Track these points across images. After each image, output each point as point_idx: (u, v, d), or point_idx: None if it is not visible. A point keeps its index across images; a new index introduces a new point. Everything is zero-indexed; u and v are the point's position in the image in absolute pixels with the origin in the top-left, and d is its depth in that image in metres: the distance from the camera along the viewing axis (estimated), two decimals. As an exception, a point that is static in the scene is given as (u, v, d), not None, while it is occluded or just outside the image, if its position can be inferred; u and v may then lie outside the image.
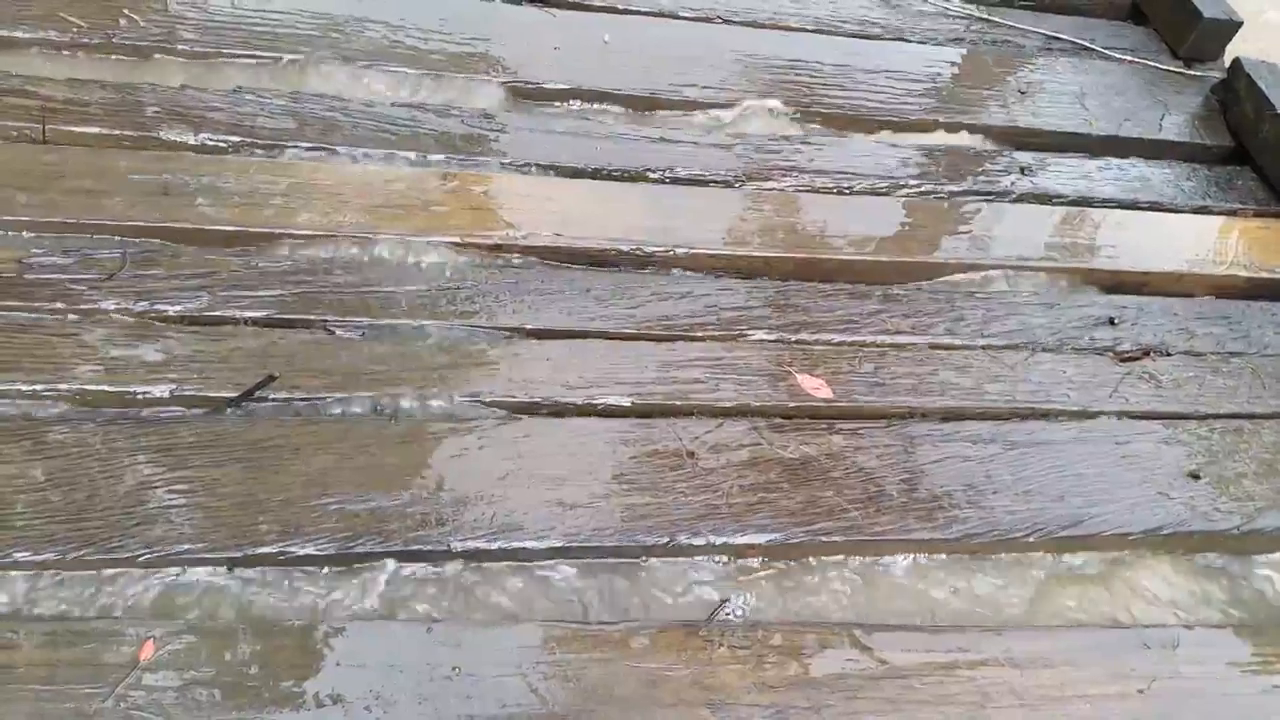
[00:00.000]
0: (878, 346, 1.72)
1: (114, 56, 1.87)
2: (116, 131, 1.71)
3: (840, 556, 1.47)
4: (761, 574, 1.43)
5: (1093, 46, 2.51)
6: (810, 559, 1.46)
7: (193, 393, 1.42)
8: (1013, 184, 2.10)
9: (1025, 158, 2.17)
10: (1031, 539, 1.51)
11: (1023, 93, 2.32)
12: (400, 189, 1.74)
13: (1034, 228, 2.00)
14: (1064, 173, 2.15)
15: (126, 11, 1.91)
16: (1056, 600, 1.49)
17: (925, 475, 1.54)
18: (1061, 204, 2.09)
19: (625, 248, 1.77)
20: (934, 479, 1.54)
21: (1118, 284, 1.96)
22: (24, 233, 1.55)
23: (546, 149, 1.91)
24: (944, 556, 1.50)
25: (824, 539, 1.44)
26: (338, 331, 1.54)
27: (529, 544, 1.37)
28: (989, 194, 2.07)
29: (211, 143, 1.74)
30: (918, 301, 1.81)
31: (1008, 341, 1.78)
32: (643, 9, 2.25)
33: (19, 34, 1.83)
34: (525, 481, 1.42)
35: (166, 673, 1.16)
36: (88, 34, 1.86)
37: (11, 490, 1.28)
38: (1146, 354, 1.82)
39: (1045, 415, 1.68)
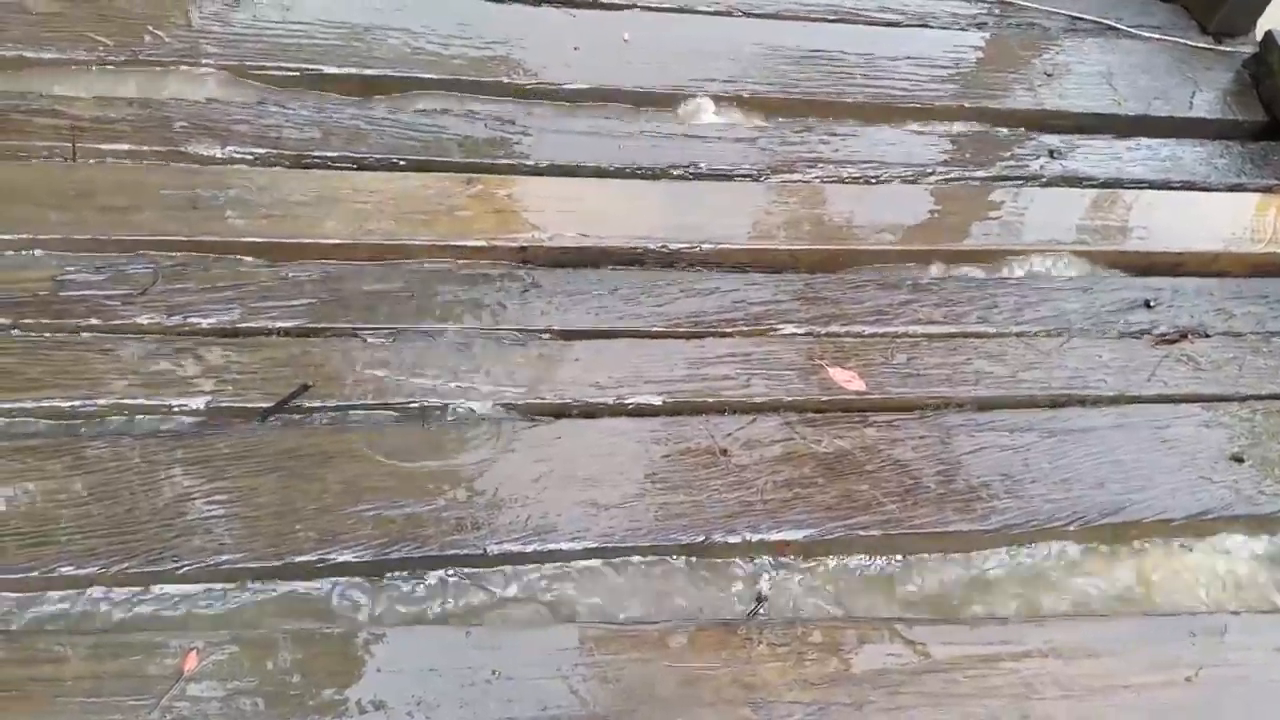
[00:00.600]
0: (910, 337, 1.71)
1: (140, 73, 1.88)
2: (145, 147, 1.72)
3: (878, 550, 1.46)
4: (799, 570, 1.42)
5: (1119, 25, 2.47)
6: (848, 553, 1.45)
7: (228, 404, 1.44)
8: (1042, 168, 2.07)
9: (1054, 141, 2.14)
10: (1072, 528, 1.49)
11: (1049, 75, 2.29)
12: (425, 195, 1.75)
13: (1065, 211, 1.97)
14: (1094, 155, 2.11)
15: (151, 28, 1.93)
16: (1100, 588, 1.47)
17: (962, 466, 1.53)
18: (1092, 186, 2.06)
19: (651, 246, 1.76)
20: (971, 469, 1.53)
21: (1152, 266, 1.92)
22: (57, 251, 1.57)
23: (569, 150, 1.90)
24: (983, 547, 1.48)
25: (861, 533, 1.43)
26: (368, 339, 1.55)
27: (564, 545, 1.37)
28: (1018, 179, 2.05)
29: (239, 155, 1.75)
30: (949, 290, 1.79)
31: (1042, 328, 1.76)
32: (662, 5, 2.24)
33: (46, 55, 1.85)
34: (558, 483, 1.42)
35: (210, 683, 1.17)
36: (114, 52, 1.88)
37: (54, 505, 1.30)
38: (1184, 336, 1.78)
39: (1083, 401, 1.66)
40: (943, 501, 1.48)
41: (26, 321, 1.48)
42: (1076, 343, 1.74)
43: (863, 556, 1.46)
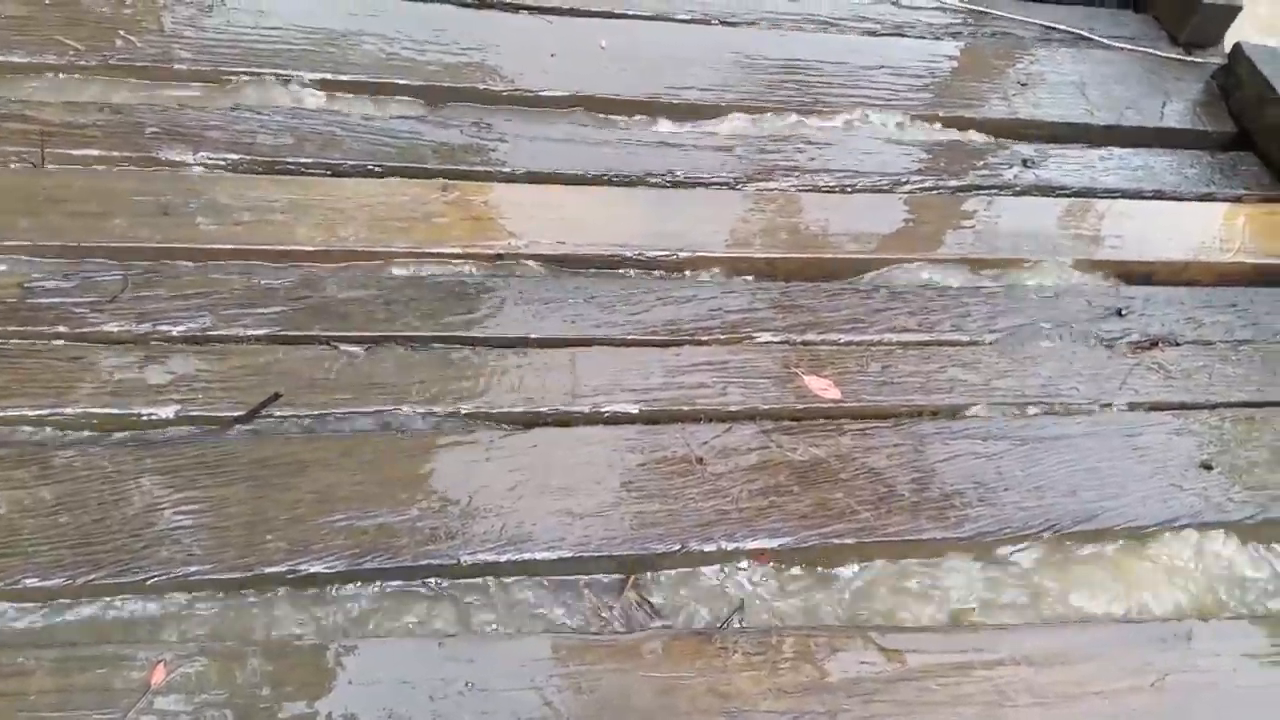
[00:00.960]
0: (885, 345, 1.71)
1: (112, 78, 1.86)
2: (115, 153, 1.71)
3: (852, 558, 1.46)
4: (774, 578, 1.42)
5: (1092, 35, 2.49)
6: (823, 562, 1.45)
7: (198, 412, 1.42)
8: (1015, 177, 2.09)
9: (1027, 150, 2.16)
10: (1045, 535, 1.50)
11: (1023, 84, 2.31)
12: (400, 202, 1.74)
13: (1038, 220, 1.99)
14: (1067, 164, 2.13)
15: (123, 33, 1.91)
16: (1071, 596, 1.48)
17: (936, 474, 1.53)
18: (1065, 195, 2.08)
19: (628, 253, 1.76)
20: (945, 477, 1.53)
21: (1124, 274, 1.95)
22: (25, 257, 1.55)
23: (546, 157, 1.90)
24: (956, 555, 1.49)
25: (836, 541, 1.44)
26: (341, 346, 1.54)
27: (539, 555, 1.36)
28: (992, 187, 2.06)
29: (211, 161, 1.74)
30: (923, 298, 1.80)
31: (1015, 336, 1.77)
32: (639, 13, 2.25)
33: (15, 58, 1.83)
34: (533, 492, 1.41)
35: (178, 696, 1.15)
36: (85, 56, 1.86)
37: (20, 515, 1.28)
38: (1155, 344, 1.80)
39: (1055, 409, 1.67)
40: (917, 509, 1.49)
41: (-8, 329, 1.46)
42: (1049, 351, 1.75)
43: (837, 565, 1.46)
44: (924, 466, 1.54)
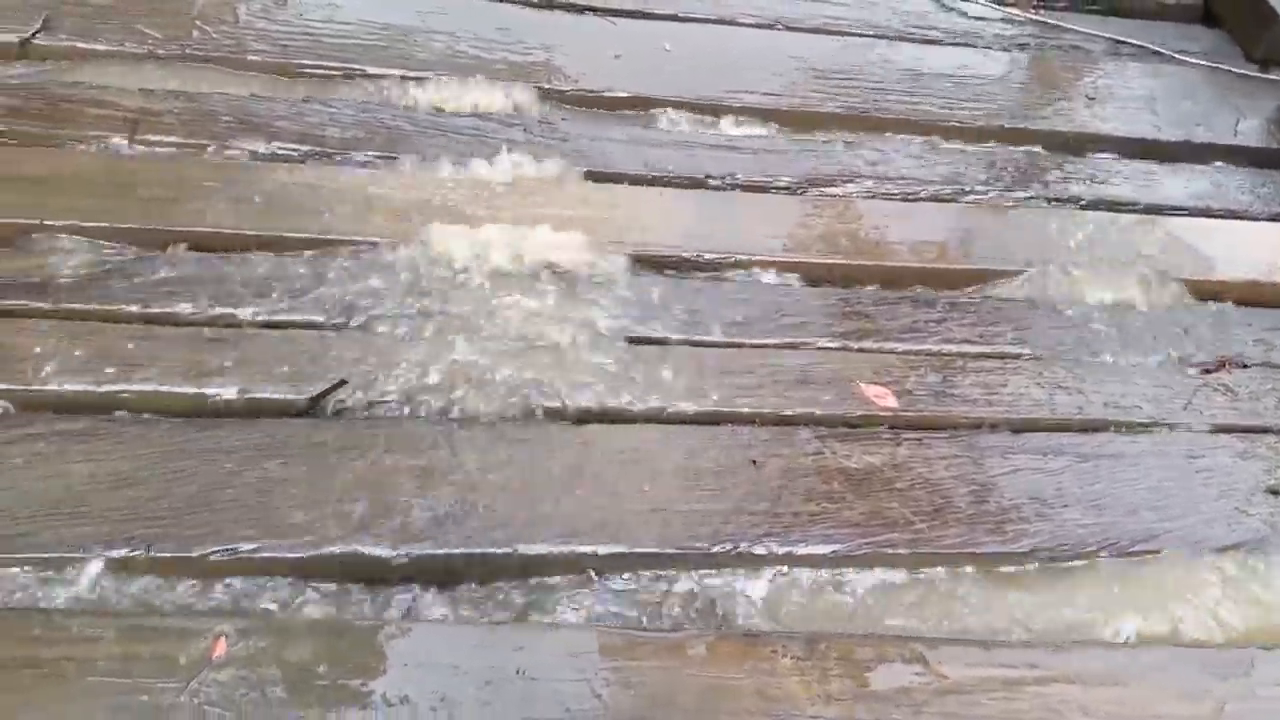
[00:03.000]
0: (944, 355, 1.70)
1: (188, 67, 1.91)
2: (190, 140, 1.75)
3: (905, 568, 1.45)
4: (825, 585, 1.42)
5: (1163, 50, 2.45)
6: (875, 570, 1.44)
7: (263, 395, 1.45)
8: (1081, 191, 2.06)
9: (1093, 164, 2.13)
10: (1102, 554, 1.47)
11: (1090, 98, 2.28)
12: (464, 196, 1.76)
13: (1103, 235, 1.96)
14: (1134, 179, 2.10)
15: (199, 23, 1.96)
16: (1127, 616, 1.45)
17: (993, 488, 1.52)
18: (1132, 211, 2.04)
19: (686, 254, 1.77)
20: (1002, 491, 1.51)
21: (1192, 293, 1.91)
22: (100, 239, 1.59)
23: (607, 156, 1.92)
24: (1012, 569, 1.47)
25: (889, 551, 1.43)
26: (404, 336, 1.56)
27: (591, 549, 1.37)
28: (1056, 200, 2.04)
29: (282, 151, 1.77)
30: (984, 310, 1.78)
31: (1077, 351, 1.75)
32: (704, 16, 2.25)
33: (99, 45, 1.88)
34: (588, 487, 1.42)
35: (237, 670, 1.17)
36: (163, 45, 1.91)
37: (89, 488, 1.31)
38: (1223, 365, 1.77)
39: (1117, 427, 1.64)
40: (973, 522, 1.47)
41: (68, 306, 1.50)
42: (1113, 368, 1.73)
43: (890, 574, 1.45)
44: (981, 479, 1.52)
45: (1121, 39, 2.47)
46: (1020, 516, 1.49)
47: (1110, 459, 1.58)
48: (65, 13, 1.91)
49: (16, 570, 1.25)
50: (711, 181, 1.93)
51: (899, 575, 1.45)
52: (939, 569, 1.46)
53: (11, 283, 1.50)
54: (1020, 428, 1.62)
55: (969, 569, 1.46)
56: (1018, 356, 1.72)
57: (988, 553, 1.46)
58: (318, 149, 1.79)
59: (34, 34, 1.86)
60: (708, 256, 1.77)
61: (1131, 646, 1.40)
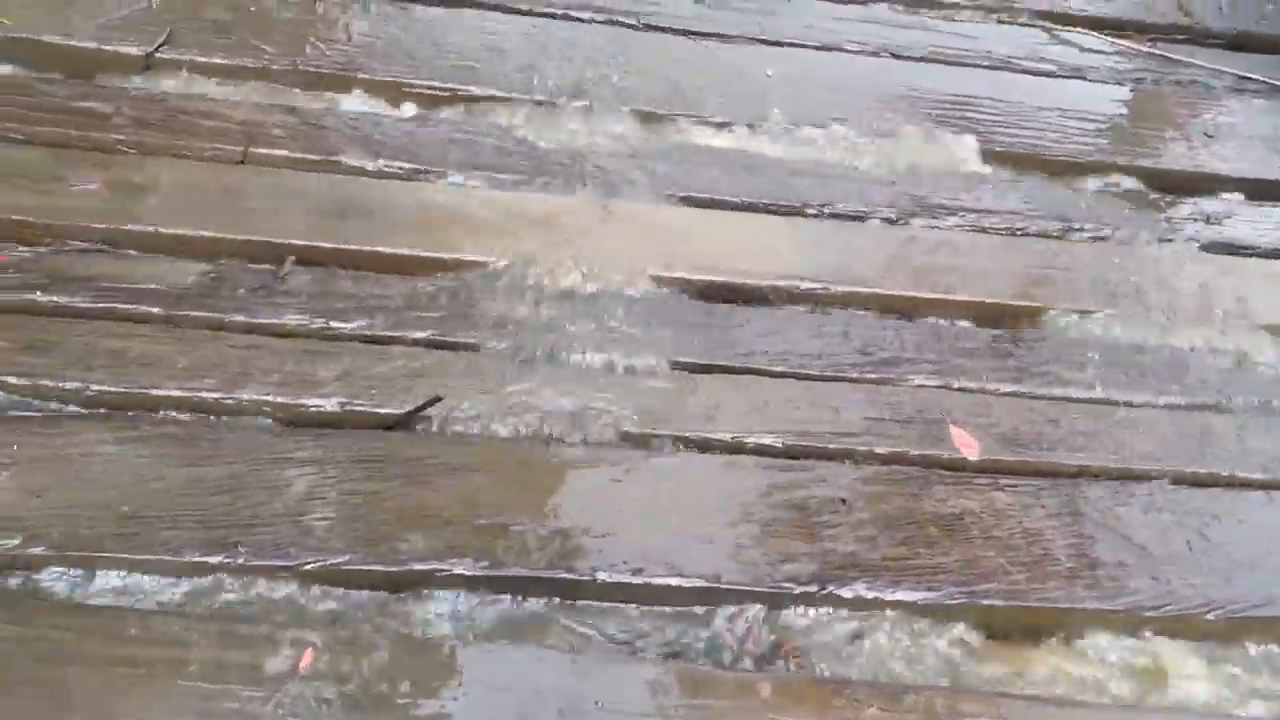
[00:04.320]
0: (1047, 398, 1.64)
1: (301, 82, 1.96)
2: (301, 155, 1.79)
3: (998, 619, 1.40)
4: (916, 633, 1.37)
5: (1291, 88, 2.34)
6: (966, 620, 1.39)
7: (361, 409, 1.47)
8: (1197, 232, 1.97)
9: (1212, 205, 2.04)
10: (1210, 615, 1.40)
11: (1209, 135, 2.19)
12: (560, 219, 1.77)
13: (1221, 279, 1.87)
14: (1257, 222, 2.00)
15: (313, 40, 2.01)
16: (1238, 687, 1.38)
17: (1096, 540, 1.46)
18: (1253, 255, 1.95)
19: (780, 284, 1.74)
20: (1105, 544, 1.45)
21: (1315, 344, 1.81)
22: (212, 250, 1.64)
23: (704, 182, 1.90)
24: (1112, 628, 1.41)
25: (984, 602, 1.38)
26: (497, 356, 1.57)
27: (674, 582, 1.35)
28: (1170, 241, 1.95)
29: (389, 169, 1.80)
30: (1093, 353, 1.72)
31: (1190, 400, 1.67)
32: (808, 43, 2.23)
33: (217, 60, 1.94)
34: (672, 519, 1.41)
35: (322, 682, 1.19)
36: (277, 60, 1.96)
37: (187, 492, 1.35)
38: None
39: (1230, 482, 1.56)
40: (1073, 575, 1.42)
41: (177, 313, 1.54)
42: (1227, 419, 1.65)
43: (981, 625, 1.40)
44: (1083, 531, 1.47)
45: (1245, 74, 2.36)
46: (1124, 572, 1.42)
47: (1223, 516, 1.51)
48: (187, 28, 1.97)
49: (115, 571, 1.29)
50: (809, 210, 1.89)
51: (993, 627, 1.40)
52: (1033, 622, 1.40)
53: (123, 288, 1.55)
54: (1125, 477, 1.55)
55: (1066, 624, 1.40)
56: (1127, 404, 1.65)
57: (1087, 609, 1.40)
58: (424, 167, 1.81)
59: (157, 48, 1.93)
60: (804, 287, 1.74)
61: (1228, 717, 1.33)
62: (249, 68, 1.95)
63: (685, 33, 2.20)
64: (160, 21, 1.97)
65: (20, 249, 1.58)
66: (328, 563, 1.30)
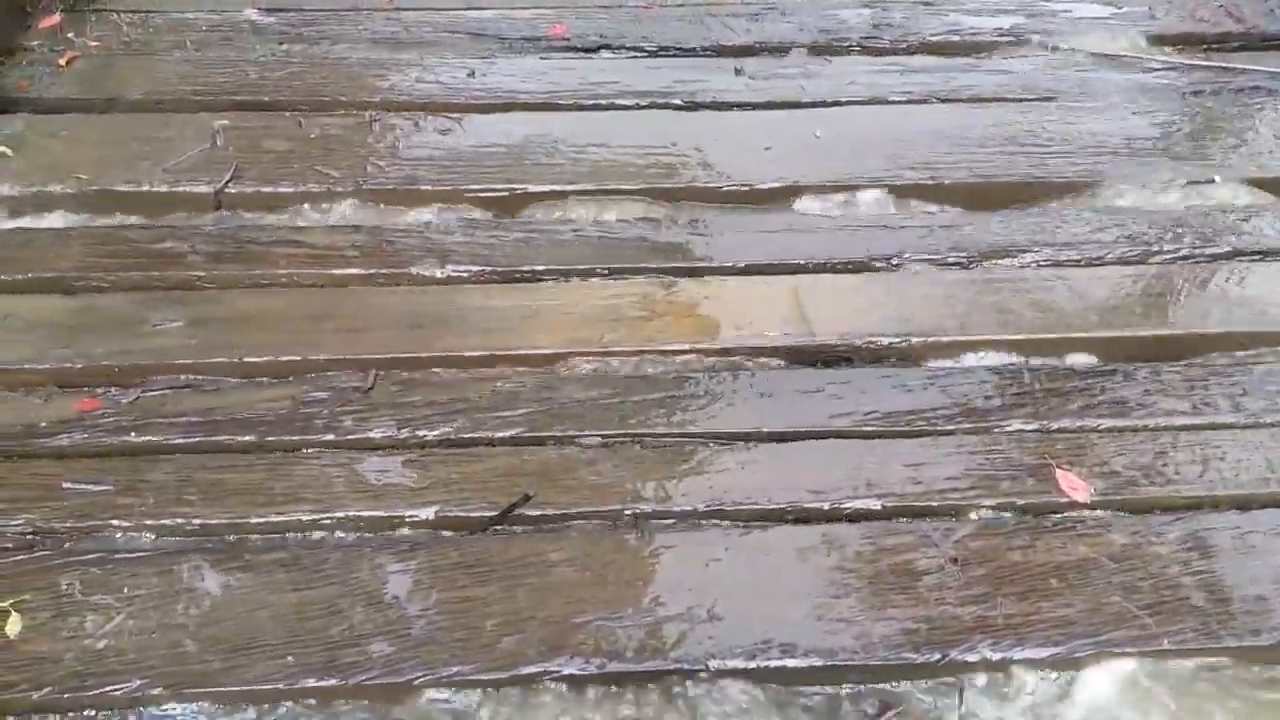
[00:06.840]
0: (1152, 430, 1.58)
1: (364, 201, 2.02)
2: (371, 271, 1.84)
3: (1132, 668, 1.33)
4: (1048, 692, 1.31)
5: (1357, 82, 2.27)
6: (1101, 672, 1.32)
7: (454, 514, 1.47)
8: (1276, 242, 1.90)
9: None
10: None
11: (1279, 139, 2.13)
12: (628, 302, 1.78)
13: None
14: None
15: (373, 160, 2.07)
16: None
17: (1225, 574, 1.39)
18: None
19: (858, 342, 1.72)
20: (1237, 577, 1.38)
21: None
22: (296, 372, 1.67)
23: (768, 248, 1.90)
24: (1253, 667, 1.33)
25: (1115, 650, 1.31)
26: (582, 446, 1.56)
27: (788, 663, 1.32)
28: (1254, 253, 1.89)
29: (456, 274, 1.84)
30: (1193, 378, 1.65)
31: (1307, 416, 1.60)
32: (853, 98, 2.24)
33: (284, 189, 2.02)
34: (777, 595, 1.37)
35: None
36: (340, 183, 2.03)
37: (296, 617, 1.35)
38: None
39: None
40: (1206, 615, 1.34)
41: (270, 439, 1.57)
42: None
43: (1117, 676, 1.33)
44: (1210, 566, 1.40)
45: (1309, 74, 2.31)
46: (1263, 606, 1.35)
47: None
48: (251, 162, 2.05)
49: (233, 705, 1.29)
50: (876, 264, 1.88)
51: (1127, 677, 1.33)
52: (1172, 669, 1.33)
53: (212, 421, 1.59)
54: (1247, 505, 1.48)
55: (1206, 668, 1.33)
56: (1234, 426, 1.59)
57: (1226, 647, 1.32)
58: (489, 268, 1.85)
59: (226, 183, 2.01)
60: (881, 341, 1.72)
61: None
62: (314, 193, 2.02)
63: (727, 105, 2.22)
64: (225, 159, 2.05)
65: (112, 390, 1.64)
66: (439, 674, 1.29)
